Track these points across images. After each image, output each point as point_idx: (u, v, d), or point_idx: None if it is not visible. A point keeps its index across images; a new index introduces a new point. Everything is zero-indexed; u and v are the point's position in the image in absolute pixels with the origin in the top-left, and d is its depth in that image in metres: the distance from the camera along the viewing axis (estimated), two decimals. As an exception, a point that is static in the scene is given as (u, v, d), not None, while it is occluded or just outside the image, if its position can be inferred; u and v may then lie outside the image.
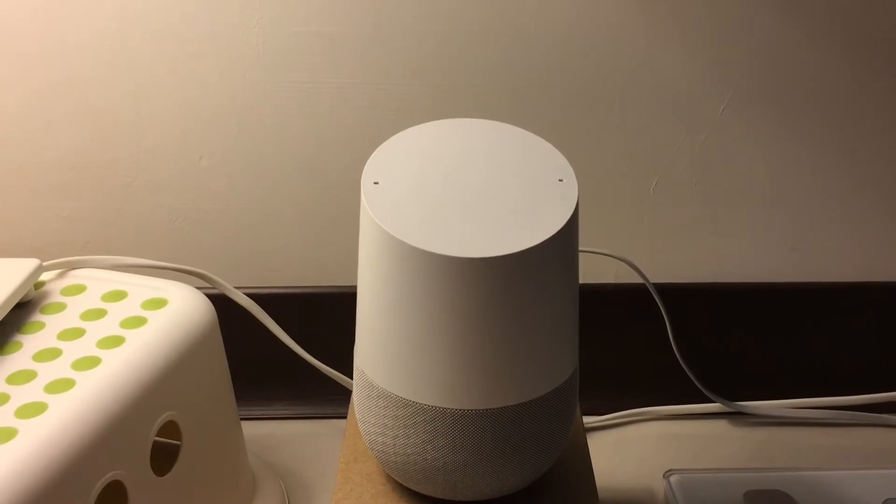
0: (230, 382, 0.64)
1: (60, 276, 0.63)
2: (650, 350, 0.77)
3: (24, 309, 0.59)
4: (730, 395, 0.78)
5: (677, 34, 0.71)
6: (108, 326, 0.57)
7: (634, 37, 0.70)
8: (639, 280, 0.73)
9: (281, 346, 0.72)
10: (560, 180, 0.50)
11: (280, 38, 0.70)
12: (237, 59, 0.71)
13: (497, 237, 0.47)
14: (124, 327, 0.57)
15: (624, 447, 0.76)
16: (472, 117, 0.54)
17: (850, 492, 0.68)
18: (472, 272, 0.46)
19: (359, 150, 0.71)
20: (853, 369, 0.80)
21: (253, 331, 0.70)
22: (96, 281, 0.62)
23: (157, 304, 0.60)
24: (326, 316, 0.74)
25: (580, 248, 0.53)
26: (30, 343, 0.56)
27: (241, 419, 0.66)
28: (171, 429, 0.57)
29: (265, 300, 0.71)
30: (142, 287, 0.61)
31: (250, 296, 0.70)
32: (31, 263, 0.60)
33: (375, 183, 0.49)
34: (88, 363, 0.54)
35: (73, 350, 0.55)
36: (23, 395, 0.51)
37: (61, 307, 0.60)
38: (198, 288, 0.62)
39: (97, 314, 0.59)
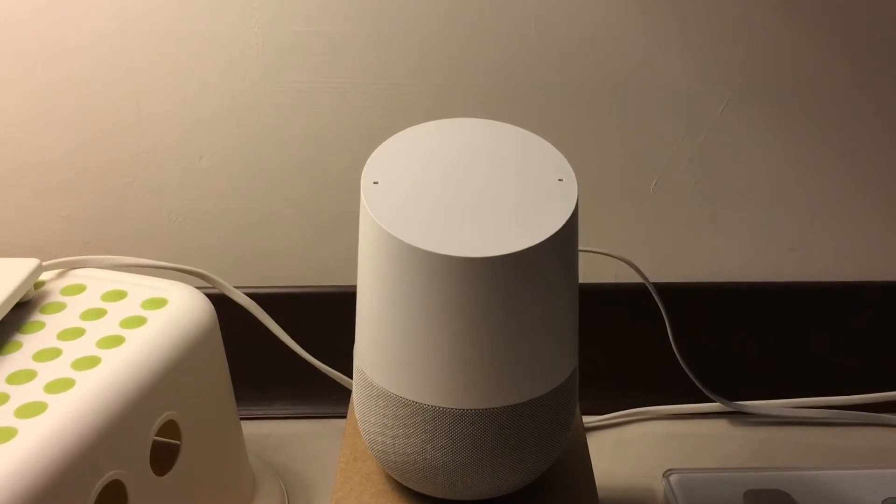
0: (230, 382, 0.64)
1: (60, 275, 0.63)
2: (650, 350, 0.77)
3: (24, 309, 0.59)
4: (729, 394, 0.78)
5: (677, 34, 0.71)
6: (107, 326, 0.57)
7: (634, 37, 0.70)
8: (638, 280, 0.73)
9: (281, 345, 0.72)
10: (560, 180, 0.50)
11: (280, 38, 0.70)
12: (237, 59, 0.71)
13: (497, 237, 0.47)
14: (124, 327, 0.57)
15: (624, 447, 0.76)
16: (472, 117, 0.54)
17: (849, 491, 0.68)
18: (471, 272, 0.46)
19: (359, 150, 0.71)
20: (853, 369, 0.80)
21: (253, 331, 0.70)
22: (96, 281, 0.62)
23: (157, 303, 0.60)
24: (326, 316, 0.74)
25: (580, 248, 0.53)
26: (30, 343, 0.56)
27: (241, 419, 0.66)
28: (170, 428, 0.57)
29: (265, 300, 0.71)
30: (142, 287, 0.61)
31: (250, 295, 0.69)
32: (31, 263, 0.60)
33: (375, 183, 0.49)
34: (88, 363, 0.54)
35: (73, 350, 0.55)
36: (23, 394, 0.51)
37: (61, 307, 0.60)
38: (198, 288, 0.62)
39: (97, 314, 0.59)
